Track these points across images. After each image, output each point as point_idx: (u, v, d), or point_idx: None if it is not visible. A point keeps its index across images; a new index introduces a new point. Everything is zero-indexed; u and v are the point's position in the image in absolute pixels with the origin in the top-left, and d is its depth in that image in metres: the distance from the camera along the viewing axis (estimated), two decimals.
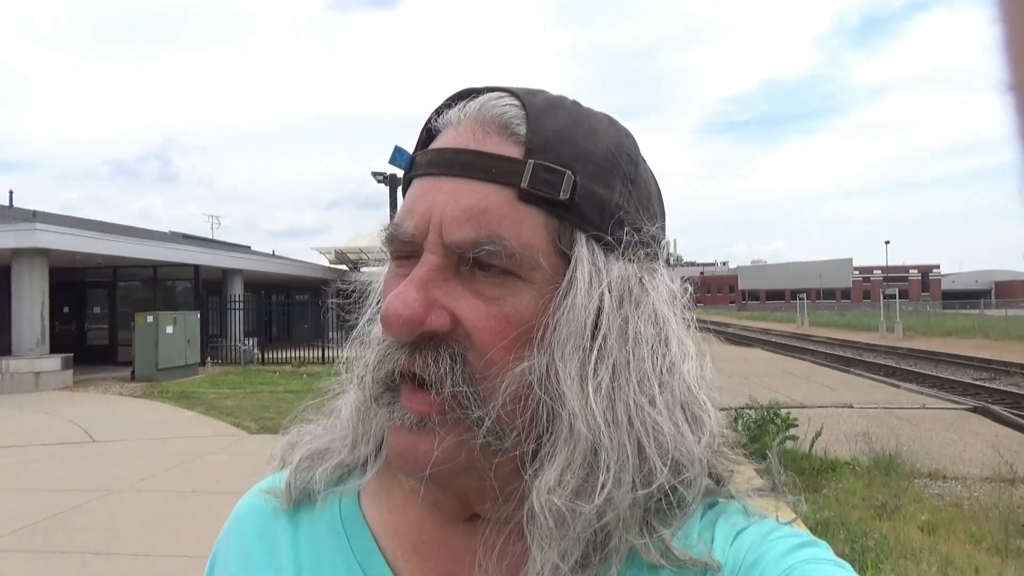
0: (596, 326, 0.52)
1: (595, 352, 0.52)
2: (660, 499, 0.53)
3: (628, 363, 0.52)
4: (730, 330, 44.90)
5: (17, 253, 15.18)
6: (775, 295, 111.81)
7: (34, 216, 18.59)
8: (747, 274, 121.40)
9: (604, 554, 0.52)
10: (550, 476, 0.50)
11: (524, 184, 0.53)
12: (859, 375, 17.40)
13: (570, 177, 0.54)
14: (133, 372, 16.29)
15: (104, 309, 21.73)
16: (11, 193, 25.61)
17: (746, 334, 39.89)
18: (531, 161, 0.54)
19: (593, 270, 0.53)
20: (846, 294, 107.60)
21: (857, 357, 23.66)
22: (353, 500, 0.64)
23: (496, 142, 0.55)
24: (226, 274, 22.07)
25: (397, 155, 0.61)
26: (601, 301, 0.53)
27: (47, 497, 6.38)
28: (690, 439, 0.53)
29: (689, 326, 0.58)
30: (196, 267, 20.33)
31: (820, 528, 5.56)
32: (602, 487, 0.50)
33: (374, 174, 17.59)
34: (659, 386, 0.53)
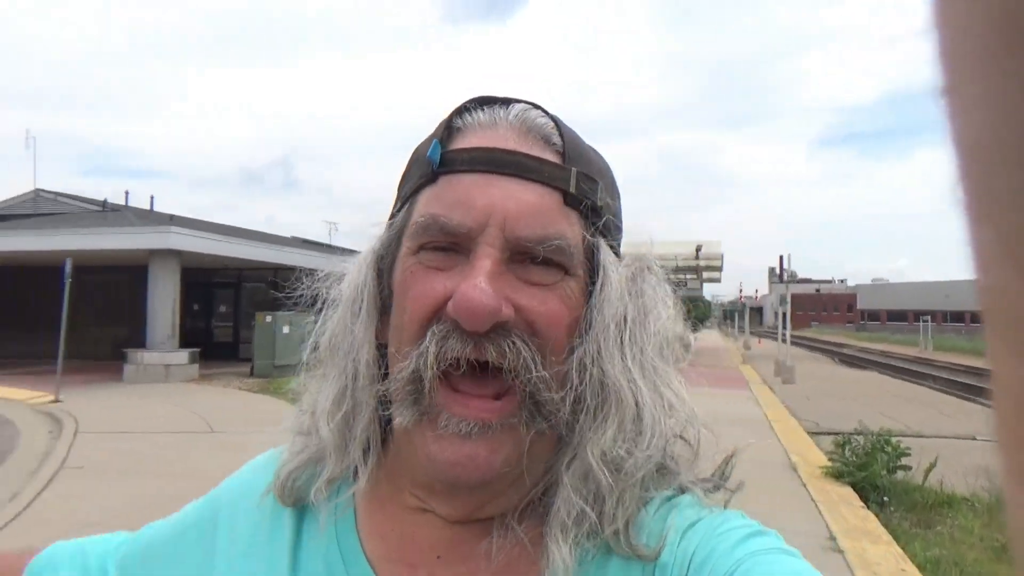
0: (626, 313, 0.59)
1: (627, 334, 0.59)
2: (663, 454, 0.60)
3: (648, 341, 0.60)
4: (846, 351, 42.77)
5: (153, 254, 16.38)
6: (897, 316, 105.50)
7: (171, 220, 19.97)
8: (867, 293, 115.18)
9: (618, 500, 0.56)
10: (607, 437, 0.56)
11: (571, 189, 0.59)
12: (987, 405, 16.12)
13: (602, 187, 0.61)
14: (252, 368, 17.21)
15: (229, 308, 23.05)
16: (152, 198, 27.86)
17: (864, 356, 37.86)
18: (574, 169, 0.59)
19: (616, 267, 0.61)
20: (976, 317, 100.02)
21: (985, 386, 21.90)
22: (345, 487, 0.65)
23: (540, 149, 0.60)
24: None
25: (435, 150, 0.61)
26: (625, 292, 0.60)
27: (167, 481, 6.81)
28: (684, 394, 0.62)
29: (673, 308, 0.65)
30: (313, 272, 21.05)
31: (930, 566, 5.25)
32: (650, 437, 0.57)
33: None
34: (665, 356, 0.62)
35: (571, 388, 0.57)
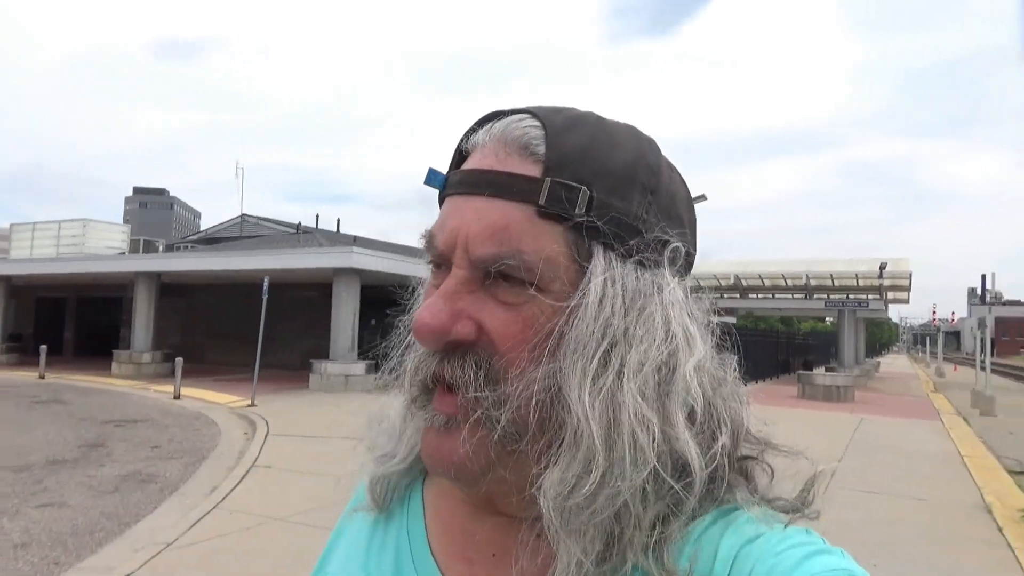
0: (604, 333, 0.54)
1: (597, 358, 0.54)
2: (667, 498, 0.53)
3: (630, 367, 0.54)
4: None
5: (337, 272, 17.78)
6: None
7: (354, 241, 21.52)
8: None
9: (620, 548, 0.53)
10: (554, 477, 0.53)
11: (542, 201, 0.56)
12: None
13: (586, 192, 0.56)
14: None
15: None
16: (338, 221, 30.16)
17: None
18: (548, 179, 0.56)
19: (607, 280, 0.55)
20: None
21: None
22: (418, 485, 0.72)
23: (517, 162, 0.58)
24: None
25: (431, 176, 0.65)
26: (612, 309, 0.55)
27: (341, 482, 7.35)
28: (685, 437, 0.53)
29: (709, 328, 0.59)
30: None
31: None
32: (601, 483, 0.52)
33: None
34: (659, 387, 0.54)
35: (508, 409, 0.55)
